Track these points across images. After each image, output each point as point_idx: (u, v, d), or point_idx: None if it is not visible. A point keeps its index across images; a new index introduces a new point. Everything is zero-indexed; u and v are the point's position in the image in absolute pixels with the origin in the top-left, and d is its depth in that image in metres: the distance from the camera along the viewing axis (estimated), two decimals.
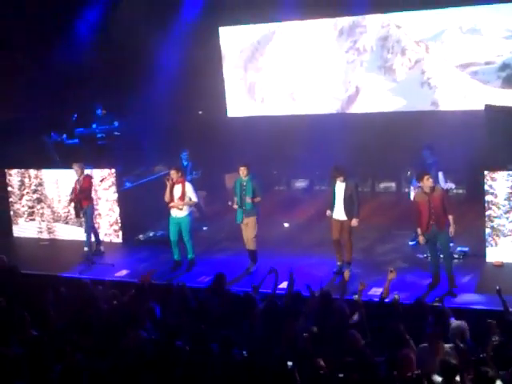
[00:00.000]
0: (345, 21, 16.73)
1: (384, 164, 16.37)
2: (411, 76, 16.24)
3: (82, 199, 13.45)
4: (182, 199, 12.46)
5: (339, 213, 11.76)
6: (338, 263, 11.88)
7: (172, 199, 12.47)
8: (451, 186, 12.79)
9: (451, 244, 11.61)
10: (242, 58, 18.09)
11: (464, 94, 15.69)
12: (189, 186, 12.58)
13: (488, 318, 8.63)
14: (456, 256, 11.91)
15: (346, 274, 9.81)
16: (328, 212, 11.90)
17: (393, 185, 16.78)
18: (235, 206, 12.20)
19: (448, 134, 14.52)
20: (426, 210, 10.66)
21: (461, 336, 7.94)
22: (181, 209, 12.49)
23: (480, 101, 14.60)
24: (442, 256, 10.93)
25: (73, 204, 13.66)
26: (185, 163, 15.01)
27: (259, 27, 17.72)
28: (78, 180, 13.57)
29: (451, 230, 10.77)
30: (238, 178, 12.32)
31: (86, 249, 13.59)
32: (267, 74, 17.87)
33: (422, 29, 15.89)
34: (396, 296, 9.38)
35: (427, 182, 10.65)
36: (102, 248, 14.05)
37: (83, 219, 13.77)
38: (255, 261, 12.37)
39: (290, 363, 7.31)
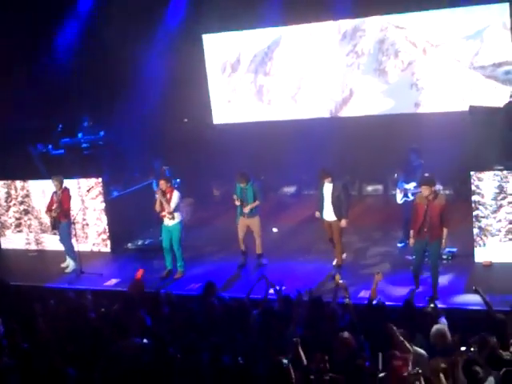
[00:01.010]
0: (348, 24, 16.71)
1: (371, 167, 16.40)
2: (402, 78, 16.24)
3: (61, 214, 13.38)
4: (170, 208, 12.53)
5: (328, 214, 11.90)
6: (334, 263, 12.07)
7: (162, 209, 12.54)
8: (439, 187, 12.81)
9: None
10: (228, 64, 18.06)
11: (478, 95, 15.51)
12: (175, 196, 12.60)
13: (477, 318, 8.71)
14: (445, 257, 11.93)
15: (337, 277, 9.78)
16: (317, 213, 12.07)
17: (380, 187, 16.81)
18: (237, 203, 12.50)
19: (434, 135, 14.54)
20: (422, 216, 10.44)
21: (441, 338, 7.95)
22: (171, 218, 12.52)
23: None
24: (429, 263, 10.86)
25: (48, 215, 13.61)
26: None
27: (246, 34, 17.70)
28: (55, 193, 13.48)
29: (443, 242, 10.55)
30: (237, 184, 12.57)
31: (71, 263, 13.59)
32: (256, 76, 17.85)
33: (428, 29, 15.84)
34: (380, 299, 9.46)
35: (424, 191, 10.44)
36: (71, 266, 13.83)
37: (58, 232, 13.78)
38: (262, 257, 12.75)
39: (285, 360, 7.31)
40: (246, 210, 12.43)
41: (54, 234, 14.91)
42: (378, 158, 15.88)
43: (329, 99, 17.11)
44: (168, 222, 12.60)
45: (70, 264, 13.62)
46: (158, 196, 12.57)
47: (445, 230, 10.47)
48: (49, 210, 13.55)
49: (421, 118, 15.90)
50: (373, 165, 16.32)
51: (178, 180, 15.27)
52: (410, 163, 12.77)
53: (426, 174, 11.49)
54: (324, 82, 17.09)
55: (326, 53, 16.95)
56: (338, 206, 11.80)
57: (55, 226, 13.54)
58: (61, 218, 13.39)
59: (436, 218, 10.39)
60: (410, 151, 12.92)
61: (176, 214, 12.60)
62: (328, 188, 11.84)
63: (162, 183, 12.59)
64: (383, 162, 15.76)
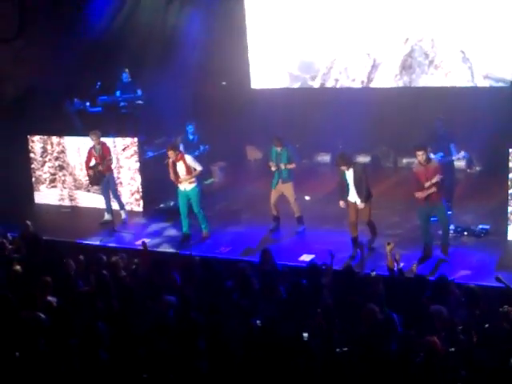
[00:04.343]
0: None
1: (407, 139, 16.19)
2: (441, 50, 15.90)
3: (106, 168, 13.59)
4: (188, 173, 12.51)
5: (354, 197, 11.63)
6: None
7: (178, 178, 12.53)
8: (463, 154, 12.75)
9: (449, 212, 11.79)
10: (269, 28, 17.82)
11: None
12: (189, 158, 12.60)
13: (508, 296, 8.64)
14: (477, 233, 11.88)
15: (389, 247, 9.66)
16: (341, 202, 11.74)
17: (415, 160, 16.61)
18: (273, 169, 12.59)
19: (472, 110, 14.39)
20: (424, 181, 10.82)
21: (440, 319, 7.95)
22: (191, 182, 12.54)
23: None
24: (441, 227, 11.06)
25: (91, 172, 13.72)
26: (191, 137, 14.98)
27: None
28: (94, 148, 13.65)
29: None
30: (272, 147, 12.69)
31: (107, 216, 13.79)
32: (295, 44, 17.60)
33: None
34: (413, 267, 9.45)
35: (418, 157, 10.86)
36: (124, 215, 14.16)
37: (101, 187, 14.01)
38: (302, 223, 12.81)
39: (305, 334, 7.34)
40: (282, 166, 12.48)
41: (88, 191, 15.12)
42: (414, 130, 15.67)
43: (368, 69, 16.87)
44: (185, 186, 12.55)
45: (107, 216, 13.91)
46: (169, 167, 12.51)
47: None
48: (88, 165, 13.72)
49: (459, 92, 15.67)
50: (409, 137, 16.11)
51: (207, 146, 15.28)
52: (435, 132, 12.74)
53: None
54: (362, 51, 16.82)
55: (368, 19, 16.62)
56: (362, 189, 11.51)
57: (99, 180, 13.67)
58: (105, 171, 13.60)
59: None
60: (436, 121, 12.88)
61: (194, 178, 12.60)
62: (349, 174, 11.56)
63: (171, 153, 12.44)
64: (419, 134, 15.54)
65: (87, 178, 14.19)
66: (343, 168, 11.49)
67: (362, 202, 11.48)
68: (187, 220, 12.74)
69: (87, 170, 13.88)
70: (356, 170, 11.55)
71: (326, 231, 12.66)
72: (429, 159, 10.96)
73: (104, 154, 13.61)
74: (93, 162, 13.71)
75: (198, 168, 12.63)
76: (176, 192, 12.76)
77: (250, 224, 13.43)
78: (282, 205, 12.87)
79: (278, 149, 12.55)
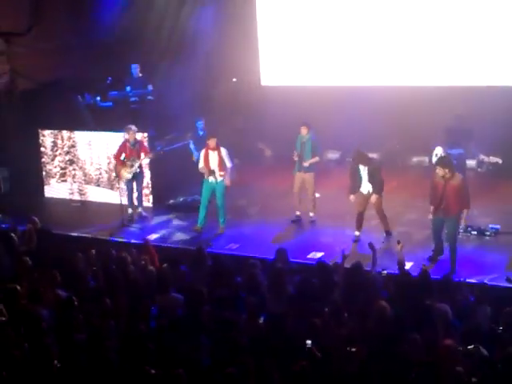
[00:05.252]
0: None
1: (418, 138, 16.16)
2: (455, 49, 15.82)
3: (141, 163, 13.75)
4: (220, 165, 12.62)
5: (366, 188, 11.82)
6: (357, 233, 11.98)
7: (208, 166, 12.58)
8: (496, 160, 12.72)
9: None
10: (280, 25, 17.77)
11: None
12: (224, 152, 12.71)
13: None
14: (488, 233, 11.84)
15: (399, 246, 9.69)
16: (351, 197, 11.96)
17: (426, 159, 16.55)
18: (296, 158, 12.85)
19: (487, 109, 14.29)
20: (439, 193, 10.56)
21: (444, 318, 7.91)
22: (221, 175, 12.63)
23: None
24: (447, 238, 10.81)
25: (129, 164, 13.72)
26: (200, 133, 14.95)
27: None
28: (128, 141, 13.66)
29: (461, 222, 10.72)
30: (299, 134, 12.97)
31: (130, 210, 13.88)
32: (306, 41, 17.54)
33: None
34: (423, 267, 9.41)
35: (438, 171, 10.52)
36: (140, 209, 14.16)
37: (126, 182, 13.93)
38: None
39: (309, 342, 7.31)
40: (306, 164, 12.81)
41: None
42: (425, 129, 15.63)
43: (377, 66, 16.81)
44: (214, 178, 12.65)
45: (130, 211, 13.93)
46: (206, 154, 12.60)
47: (465, 211, 10.57)
48: (118, 158, 13.69)
49: (471, 91, 15.55)
50: (419, 136, 16.07)
51: None
52: (453, 129, 12.74)
53: (442, 154, 11.52)
54: (375, 48, 16.76)
55: (381, 17, 16.57)
56: (376, 183, 11.73)
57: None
58: (141, 166, 13.79)
59: (452, 196, 10.48)
60: (454, 117, 12.86)
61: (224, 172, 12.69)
62: (364, 170, 11.77)
63: (213, 141, 12.64)
64: (430, 133, 15.51)
65: (125, 170, 13.79)
66: (361, 164, 11.69)
67: (375, 193, 11.67)
68: (204, 212, 12.80)
69: (120, 163, 13.72)
70: (372, 167, 11.72)
71: (336, 228, 12.65)
72: (452, 175, 10.49)
73: (140, 150, 13.68)
74: (122, 157, 13.70)
75: (228, 164, 12.77)
76: (202, 183, 12.86)
77: (259, 221, 13.42)
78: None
79: (304, 132, 12.81)
